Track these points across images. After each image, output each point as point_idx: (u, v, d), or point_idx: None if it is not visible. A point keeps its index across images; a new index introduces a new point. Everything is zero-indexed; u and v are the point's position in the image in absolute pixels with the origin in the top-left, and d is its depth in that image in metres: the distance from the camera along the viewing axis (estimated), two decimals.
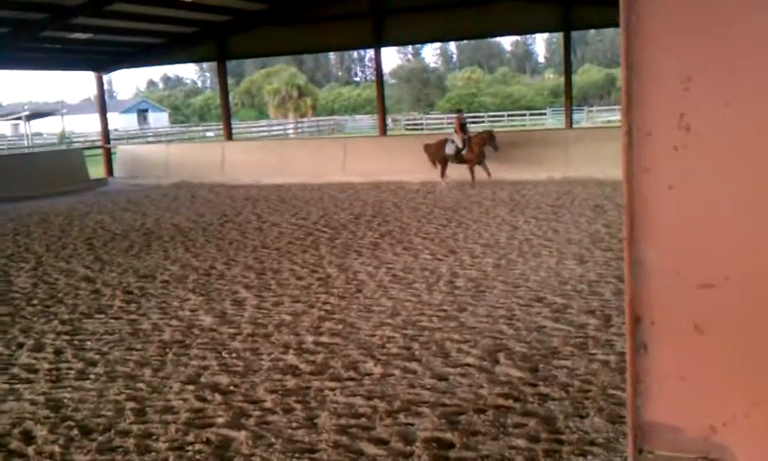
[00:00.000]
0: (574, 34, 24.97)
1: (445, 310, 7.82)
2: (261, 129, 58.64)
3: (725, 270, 1.22)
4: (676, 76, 1.21)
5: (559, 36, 29.09)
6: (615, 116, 49.87)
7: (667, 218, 1.25)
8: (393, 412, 5.31)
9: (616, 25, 1.22)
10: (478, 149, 18.29)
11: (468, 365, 6.16)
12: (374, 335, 7.10)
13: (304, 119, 62.24)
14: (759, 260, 1.20)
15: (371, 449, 4.78)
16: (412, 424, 5.10)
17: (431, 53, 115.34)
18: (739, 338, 1.22)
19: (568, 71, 22.48)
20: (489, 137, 18.49)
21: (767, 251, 1.19)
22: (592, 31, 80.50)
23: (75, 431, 5.29)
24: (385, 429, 5.04)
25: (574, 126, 24.71)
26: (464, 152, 18.43)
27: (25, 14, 18.73)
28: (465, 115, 20.66)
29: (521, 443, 4.75)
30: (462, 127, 19.04)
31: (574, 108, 23.84)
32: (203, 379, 6.17)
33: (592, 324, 7.10)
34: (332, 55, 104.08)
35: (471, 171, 18.48)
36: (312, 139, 41.87)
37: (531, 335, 6.85)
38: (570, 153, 19.29)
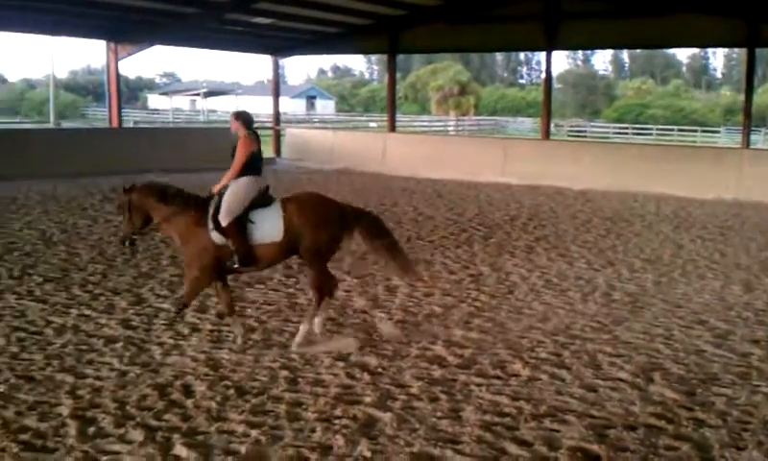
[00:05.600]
0: (758, 51, 23.39)
1: (600, 322, 7.61)
2: (423, 123, 59.15)
3: None
4: None
5: (740, 51, 27.39)
6: None
7: None
8: (538, 416, 5.24)
9: None
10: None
11: (620, 380, 5.97)
12: (524, 337, 7.02)
13: (465, 118, 62.15)
14: None
15: (513, 449, 4.74)
16: (557, 431, 5.01)
17: (601, 60, 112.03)
18: None
19: (750, 89, 21.17)
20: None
21: None
22: None
23: (231, 391, 5.58)
24: (529, 432, 4.98)
25: (751, 146, 23.30)
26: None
27: None
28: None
29: None
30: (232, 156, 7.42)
31: (752, 128, 22.35)
32: (352, 358, 6.33)
33: (757, 354, 6.69)
34: (499, 55, 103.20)
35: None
36: (472, 137, 41.78)
37: (689, 358, 6.54)
38: (744, 174, 18.25)
